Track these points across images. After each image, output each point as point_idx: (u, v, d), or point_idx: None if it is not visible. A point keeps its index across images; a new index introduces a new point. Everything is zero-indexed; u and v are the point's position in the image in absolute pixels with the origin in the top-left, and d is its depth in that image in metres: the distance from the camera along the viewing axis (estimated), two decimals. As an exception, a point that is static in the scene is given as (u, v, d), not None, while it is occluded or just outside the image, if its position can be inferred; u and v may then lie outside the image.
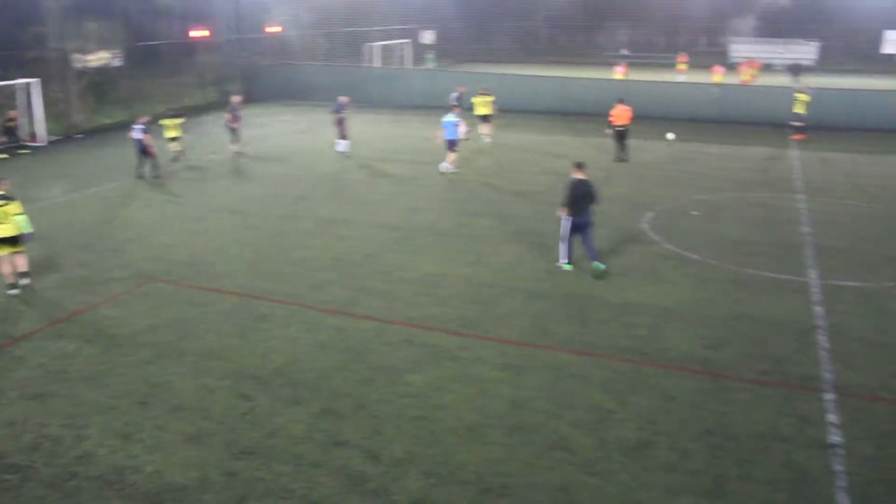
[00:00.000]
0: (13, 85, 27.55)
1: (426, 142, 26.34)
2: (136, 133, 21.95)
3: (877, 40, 60.34)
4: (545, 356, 11.04)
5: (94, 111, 32.03)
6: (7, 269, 13.34)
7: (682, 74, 47.65)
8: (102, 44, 33.71)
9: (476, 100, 27.77)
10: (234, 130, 25.29)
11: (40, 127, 27.97)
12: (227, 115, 25.55)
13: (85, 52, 32.58)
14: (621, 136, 24.64)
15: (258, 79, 40.51)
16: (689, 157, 25.82)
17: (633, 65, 47.94)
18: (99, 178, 22.42)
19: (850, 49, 62.30)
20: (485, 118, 27.53)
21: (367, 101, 37.51)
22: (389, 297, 13.26)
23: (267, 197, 20.10)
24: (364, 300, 13.11)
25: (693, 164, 24.75)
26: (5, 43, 27.40)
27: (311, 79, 39.34)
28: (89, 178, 22.37)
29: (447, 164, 22.46)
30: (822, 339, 11.61)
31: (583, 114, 33.43)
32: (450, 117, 22.37)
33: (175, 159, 24.15)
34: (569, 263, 14.57)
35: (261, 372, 10.54)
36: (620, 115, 24.54)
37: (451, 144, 22.36)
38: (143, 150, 22.00)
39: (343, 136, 25.34)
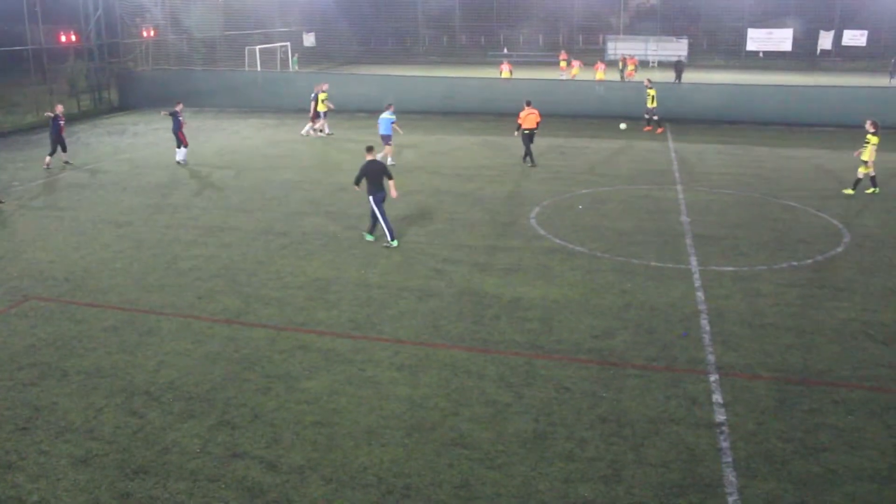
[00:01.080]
0: None
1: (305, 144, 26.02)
2: None
3: (741, 38, 63.71)
4: (440, 354, 11.09)
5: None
6: None
7: (564, 72, 48.78)
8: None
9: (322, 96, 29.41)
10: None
11: None
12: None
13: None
14: (529, 139, 23.96)
15: (133, 85, 39.05)
16: (573, 152, 26.46)
17: (515, 64, 48.69)
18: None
19: (716, 46, 65.38)
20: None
21: (250, 105, 36.85)
22: (280, 303, 13.04)
23: (148, 207, 19.41)
24: (255, 308, 12.85)
25: (577, 158, 25.37)
26: None
27: (189, 84, 38.22)
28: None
29: (386, 156, 23.19)
30: (705, 323, 12.11)
31: (469, 113, 33.84)
32: (385, 114, 23.70)
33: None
34: (393, 240, 15.91)
35: (151, 387, 10.17)
36: (528, 118, 23.80)
37: (386, 139, 23.68)
38: None
39: (182, 144, 24.54)
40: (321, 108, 29.35)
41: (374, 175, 15.58)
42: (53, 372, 10.66)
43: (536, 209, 18.78)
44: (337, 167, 23.81)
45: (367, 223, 16.36)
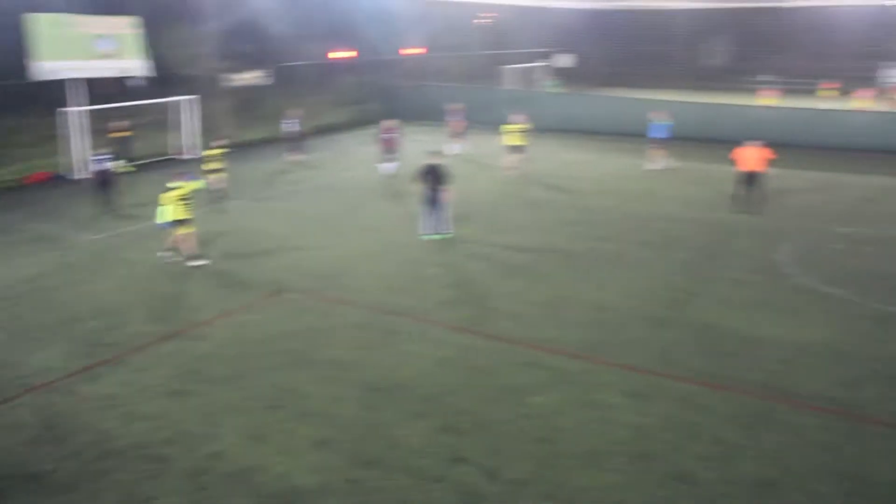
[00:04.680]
0: (177, 101, 29.37)
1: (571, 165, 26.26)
2: (98, 164, 20.88)
3: None
4: (670, 385, 10.83)
5: (243, 127, 33.71)
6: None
7: (827, 101, 45.66)
8: (252, 64, 35.49)
9: (508, 127, 25.94)
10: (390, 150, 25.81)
11: (196, 141, 29.64)
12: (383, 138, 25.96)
13: (235, 71, 34.38)
14: (749, 181, 20.77)
15: (396, 99, 41.46)
16: (824, 186, 24.69)
17: (778, 90, 46.27)
18: (243, 190, 23.47)
19: None
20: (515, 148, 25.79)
21: (502, 122, 37.88)
22: (516, 318, 13.34)
23: (400, 213, 20.57)
24: (492, 320, 13.25)
25: (830, 193, 23.65)
26: (164, 63, 29.21)
27: (445, 100, 40.00)
28: (234, 191, 23.46)
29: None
30: (974, 385, 10.87)
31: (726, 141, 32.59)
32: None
33: (220, 196, 21.91)
34: (430, 234, 17.78)
35: (387, 384, 10.82)
36: (748, 157, 20.76)
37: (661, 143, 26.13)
38: (104, 184, 20.60)
39: (391, 157, 25.50)
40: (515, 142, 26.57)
41: (430, 176, 17.57)
42: (302, 359, 11.65)
43: (786, 245, 17.74)
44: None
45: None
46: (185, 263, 16.15)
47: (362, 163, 28.20)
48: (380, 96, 41.77)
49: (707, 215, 20.59)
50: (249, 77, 35.33)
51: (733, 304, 14.04)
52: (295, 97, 35.29)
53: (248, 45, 34.58)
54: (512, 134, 25.59)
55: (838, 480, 8.59)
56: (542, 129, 36.31)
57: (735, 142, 21.84)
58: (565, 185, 24.35)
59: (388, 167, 25.56)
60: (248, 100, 35.02)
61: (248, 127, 33.99)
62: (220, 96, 32.75)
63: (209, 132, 31.49)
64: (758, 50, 67.41)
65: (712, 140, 32.32)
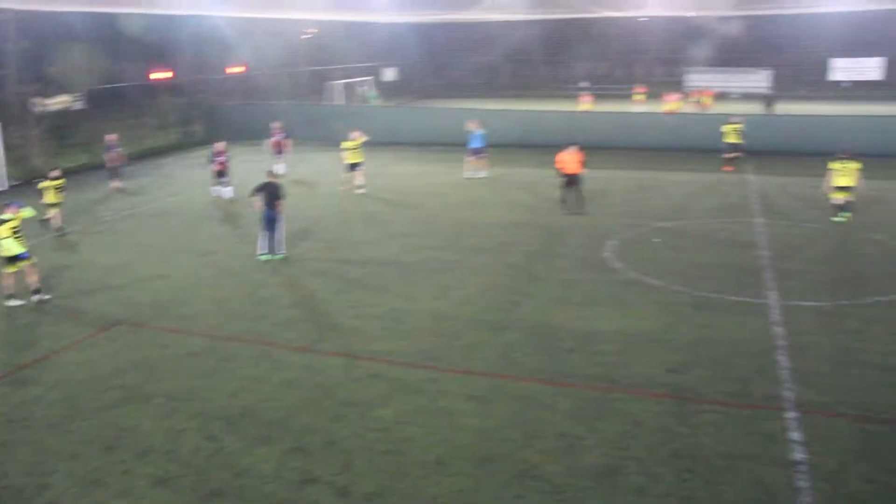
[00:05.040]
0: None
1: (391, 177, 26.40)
2: None
3: (823, 68, 62.43)
4: (512, 386, 11.11)
5: (56, 155, 31.76)
6: None
7: (639, 105, 48.53)
8: (63, 87, 33.60)
9: (346, 144, 25.30)
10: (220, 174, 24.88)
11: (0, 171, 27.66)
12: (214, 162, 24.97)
13: (45, 95, 32.42)
14: (570, 183, 21.83)
15: (221, 119, 40.32)
16: (642, 185, 26.23)
17: (594, 96, 48.68)
18: (69, 221, 22.11)
19: (799, 77, 64.03)
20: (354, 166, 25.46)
21: (331, 138, 37.69)
22: (356, 332, 13.28)
23: (235, 235, 20.05)
24: (332, 336, 13.12)
25: (647, 191, 25.14)
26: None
27: (273, 117, 39.35)
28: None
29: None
30: (783, 359, 11.81)
31: (549, 146, 33.79)
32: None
33: (57, 230, 20.69)
34: (266, 254, 17.64)
35: (229, 412, 10.48)
36: (568, 160, 21.79)
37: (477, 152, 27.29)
38: None
39: (224, 181, 24.79)
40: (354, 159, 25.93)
41: (269, 195, 17.41)
42: (137, 395, 11.09)
43: (613, 242, 18.66)
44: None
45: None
46: (31, 300, 15.08)
47: (192, 186, 27.29)
48: (204, 117, 40.55)
49: (536, 219, 21.33)
50: (60, 101, 33.39)
51: (566, 302, 14.60)
52: (114, 121, 33.74)
53: (58, 67, 32.72)
54: (350, 150, 25.30)
55: (674, 460, 9.08)
56: (371, 143, 36.53)
57: (558, 146, 22.74)
58: (397, 198, 24.56)
59: (222, 191, 24.79)
60: (60, 126, 33.09)
61: (64, 154, 32.05)
62: (28, 123, 30.73)
63: (17, 161, 29.48)
64: (575, 58, 70.75)
65: (537, 146, 33.59)
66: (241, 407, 10.62)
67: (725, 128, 29.03)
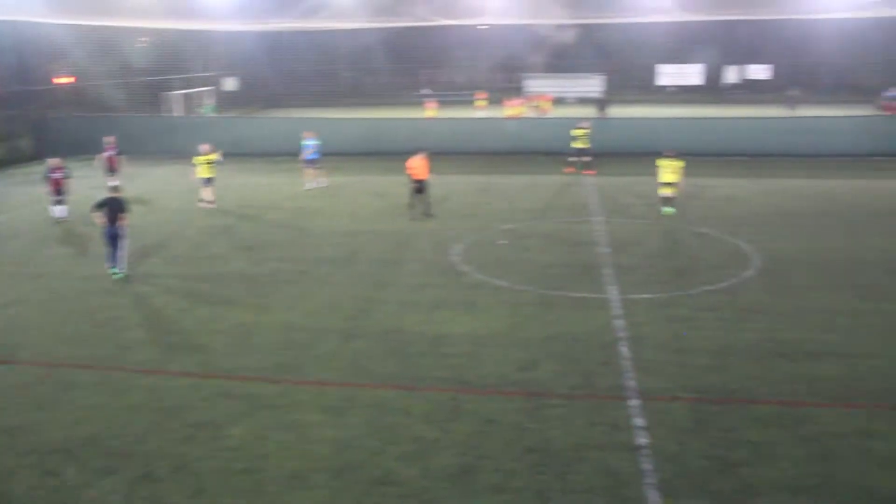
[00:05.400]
0: None
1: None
2: None
3: (651, 73, 66.30)
4: (365, 394, 11.07)
5: None
6: None
7: (481, 111, 49.69)
8: None
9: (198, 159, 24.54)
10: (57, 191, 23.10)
11: None
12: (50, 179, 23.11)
13: None
14: (419, 189, 22.31)
15: (51, 133, 37.90)
16: (486, 188, 26.87)
17: (439, 103, 49.44)
18: None
19: (628, 82, 67.55)
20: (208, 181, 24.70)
21: (171, 151, 36.39)
22: (204, 350, 12.85)
23: (71, 256, 18.94)
24: (179, 355, 12.63)
25: (491, 194, 25.75)
26: None
27: (108, 130, 37.50)
28: None
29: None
30: (625, 350, 12.38)
31: (394, 153, 34.01)
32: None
33: None
34: (115, 269, 16.89)
35: (68, 444, 9.86)
36: (416, 166, 22.23)
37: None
38: None
39: (60, 199, 22.99)
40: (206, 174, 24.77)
41: (111, 210, 16.72)
42: (-37, 433, 10.27)
43: (460, 246, 18.97)
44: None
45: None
46: None
47: (22, 206, 25.59)
48: (32, 131, 38.07)
49: (383, 226, 21.40)
50: None
51: (416, 307, 14.71)
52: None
53: None
54: (201, 165, 24.44)
55: (527, 455, 9.32)
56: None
57: (404, 154, 22.94)
58: (242, 211, 24.00)
59: (58, 209, 23.22)
60: None
61: None
62: None
63: None
64: (418, 66, 71.56)
65: (382, 153, 33.77)
66: (82, 437, 10.03)
67: (574, 132, 29.80)
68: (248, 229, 21.53)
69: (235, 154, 34.73)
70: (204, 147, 24.70)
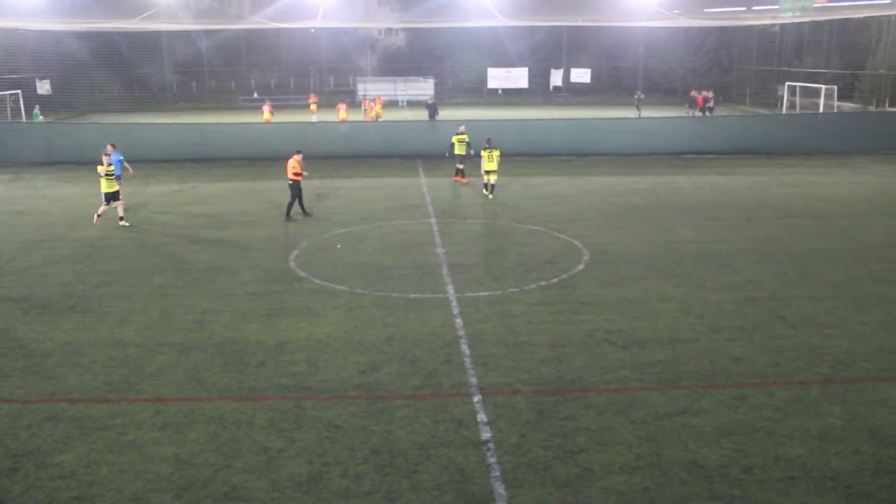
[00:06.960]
0: None
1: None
2: None
3: (482, 77, 68.07)
4: (205, 408, 10.72)
5: None
6: None
7: (314, 115, 49.25)
8: None
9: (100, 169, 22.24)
10: None
11: None
12: None
13: None
14: (299, 191, 22.53)
15: None
16: (329, 192, 26.71)
17: (272, 106, 48.54)
18: None
19: (461, 84, 69.13)
20: None
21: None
22: (25, 373, 12.00)
23: None
24: (-6, 381, 11.75)
25: (331, 198, 25.63)
26: None
27: None
28: None
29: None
30: (465, 348, 12.65)
31: (222, 159, 33.11)
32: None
33: None
34: None
35: None
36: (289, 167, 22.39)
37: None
38: None
39: None
40: None
41: None
42: None
43: (295, 252, 18.73)
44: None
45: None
46: None
47: None
48: None
49: (217, 233, 20.83)
50: None
51: (253, 315, 14.40)
52: None
53: None
54: (105, 178, 21.49)
55: (374, 457, 9.32)
56: (28, 163, 33.45)
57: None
58: (57, 222, 22.61)
59: None
60: None
61: None
62: None
63: None
64: (247, 69, 70.00)
65: (212, 159, 32.88)
66: None
67: (454, 138, 28.60)
68: (66, 242, 20.22)
69: (51, 163, 32.90)
70: (106, 156, 21.98)
